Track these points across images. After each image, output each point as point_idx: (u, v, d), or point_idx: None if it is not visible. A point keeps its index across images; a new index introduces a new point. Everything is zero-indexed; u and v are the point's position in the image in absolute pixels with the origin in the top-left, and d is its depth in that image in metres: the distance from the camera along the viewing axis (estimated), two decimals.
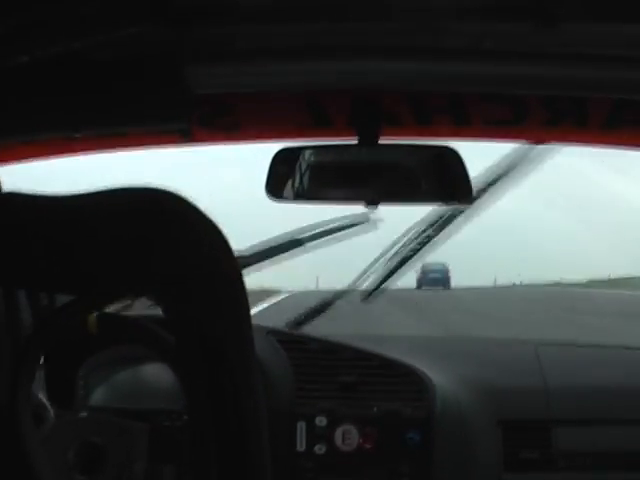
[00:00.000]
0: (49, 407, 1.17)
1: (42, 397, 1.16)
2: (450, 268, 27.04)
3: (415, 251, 2.10)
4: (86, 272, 0.68)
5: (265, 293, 15.26)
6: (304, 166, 1.58)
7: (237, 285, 0.71)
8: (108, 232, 0.67)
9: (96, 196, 0.69)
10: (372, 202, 1.58)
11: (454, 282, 27.47)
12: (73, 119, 1.42)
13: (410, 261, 2.11)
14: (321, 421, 1.65)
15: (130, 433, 1.34)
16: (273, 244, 2.07)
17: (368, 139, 1.54)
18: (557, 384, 1.79)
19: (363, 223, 2.05)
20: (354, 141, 1.54)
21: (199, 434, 0.73)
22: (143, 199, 0.69)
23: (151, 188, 0.69)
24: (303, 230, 2.09)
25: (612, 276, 34.70)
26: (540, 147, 1.73)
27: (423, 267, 24.18)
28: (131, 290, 0.71)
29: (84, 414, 1.42)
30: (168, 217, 0.69)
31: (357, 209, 1.72)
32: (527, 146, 1.74)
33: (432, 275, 25.37)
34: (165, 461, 1.38)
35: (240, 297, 0.71)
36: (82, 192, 0.69)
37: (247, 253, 2.02)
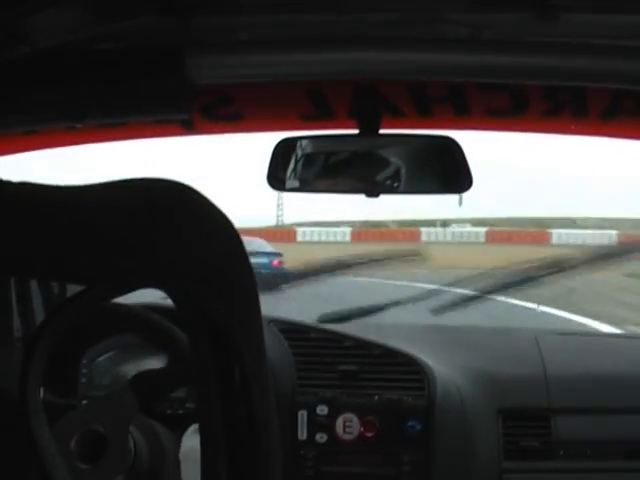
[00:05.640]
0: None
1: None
2: None
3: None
4: (97, 262, 0.68)
5: None
6: (305, 156, 1.58)
7: (247, 275, 0.72)
8: (120, 222, 0.68)
9: (108, 187, 0.69)
10: (372, 193, 1.58)
11: None
12: (74, 110, 1.43)
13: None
14: (322, 410, 1.66)
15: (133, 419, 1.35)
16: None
17: (369, 129, 1.54)
18: (557, 373, 1.80)
19: (415, 257, 2.13)
20: (355, 131, 1.55)
21: (208, 421, 0.74)
22: (155, 190, 0.70)
23: (163, 179, 0.70)
24: (354, 257, 2.13)
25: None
26: None
27: None
28: (142, 281, 0.72)
29: (86, 402, 1.43)
30: (180, 208, 0.69)
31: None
32: None
33: None
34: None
35: (250, 287, 0.72)
36: (94, 183, 0.69)
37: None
